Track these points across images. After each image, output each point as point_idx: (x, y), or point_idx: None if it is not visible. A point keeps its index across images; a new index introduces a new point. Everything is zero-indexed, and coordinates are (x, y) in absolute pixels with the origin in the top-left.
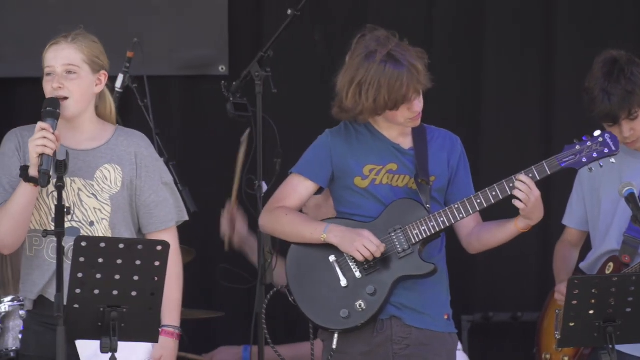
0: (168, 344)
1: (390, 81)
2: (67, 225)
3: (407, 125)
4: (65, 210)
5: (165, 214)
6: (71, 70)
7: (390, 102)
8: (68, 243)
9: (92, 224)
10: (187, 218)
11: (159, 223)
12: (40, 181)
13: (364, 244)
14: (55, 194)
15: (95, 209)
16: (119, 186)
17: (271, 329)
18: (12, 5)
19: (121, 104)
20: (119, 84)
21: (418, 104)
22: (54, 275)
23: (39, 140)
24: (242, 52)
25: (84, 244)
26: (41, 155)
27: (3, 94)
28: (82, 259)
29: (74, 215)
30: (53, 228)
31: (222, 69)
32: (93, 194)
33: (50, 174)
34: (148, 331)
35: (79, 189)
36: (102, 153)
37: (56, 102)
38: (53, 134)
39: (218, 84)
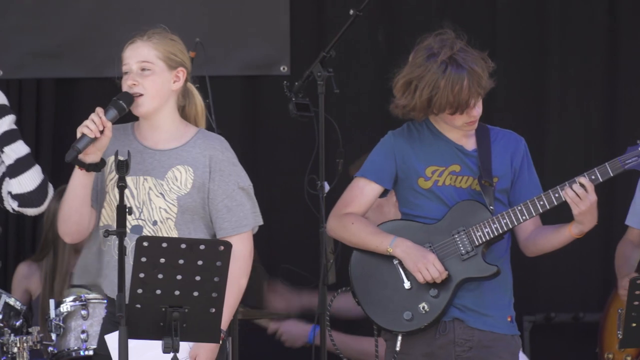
0: (207, 344)
1: (451, 85)
2: (134, 222)
3: (464, 129)
4: (127, 210)
5: (238, 219)
6: (145, 67)
7: (449, 105)
8: (133, 240)
9: (155, 223)
10: (261, 222)
11: (230, 228)
12: (66, 155)
13: (427, 267)
14: (127, 191)
15: (160, 209)
16: (189, 188)
17: (333, 328)
18: (73, 7)
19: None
20: None
21: (477, 109)
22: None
23: (86, 121)
24: (304, 52)
25: (145, 243)
26: (83, 135)
27: (65, 94)
28: (144, 259)
29: (142, 213)
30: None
31: (284, 69)
32: (161, 194)
33: (80, 153)
34: (209, 331)
35: (150, 188)
36: (177, 154)
37: (129, 97)
38: (101, 119)
39: (279, 84)
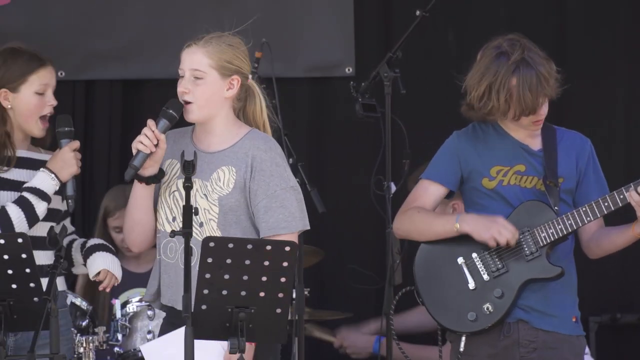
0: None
1: (522, 88)
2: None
3: (530, 128)
4: (193, 210)
5: (276, 221)
6: (197, 75)
7: (520, 108)
8: (182, 243)
9: (201, 224)
10: (305, 227)
11: (266, 229)
12: (125, 173)
13: (499, 230)
14: (177, 194)
15: (204, 210)
16: (230, 188)
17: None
18: (137, 8)
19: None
20: None
21: (544, 109)
22: (168, 275)
23: (139, 136)
24: (369, 53)
25: (212, 244)
26: (138, 151)
27: (131, 95)
28: (210, 260)
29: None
30: (170, 228)
31: (349, 70)
32: (205, 195)
33: (138, 170)
34: (275, 332)
35: (196, 190)
36: (224, 155)
37: (178, 105)
38: (154, 132)
39: (345, 85)
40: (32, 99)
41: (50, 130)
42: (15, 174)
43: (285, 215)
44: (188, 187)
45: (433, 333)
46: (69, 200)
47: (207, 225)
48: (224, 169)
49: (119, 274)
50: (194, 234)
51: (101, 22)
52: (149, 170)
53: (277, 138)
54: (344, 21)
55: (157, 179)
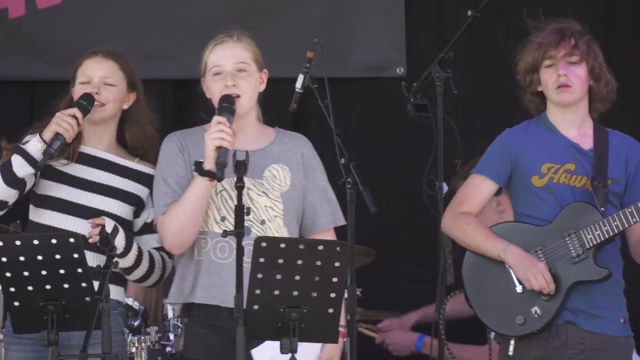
0: (337, 346)
1: (541, 38)
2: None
3: (556, 97)
4: (245, 210)
5: (326, 215)
6: (242, 68)
7: (534, 54)
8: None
9: (263, 222)
10: (343, 222)
11: (324, 223)
12: (217, 174)
13: (536, 276)
14: (224, 193)
15: (266, 207)
16: (289, 185)
17: (447, 330)
18: (188, 8)
19: (301, 105)
20: (299, 84)
21: (570, 69)
22: (220, 276)
23: (216, 133)
24: (420, 53)
25: (264, 244)
26: (218, 147)
27: (179, 94)
28: (262, 260)
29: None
30: (218, 228)
31: (400, 70)
32: (264, 192)
33: (226, 166)
34: (328, 332)
35: (248, 188)
36: (268, 154)
37: (231, 99)
38: (230, 127)
39: (396, 85)
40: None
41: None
42: (73, 169)
43: (331, 208)
44: (240, 187)
45: (471, 325)
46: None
47: (272, 222)
48: (276, 167)
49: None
50: (256, 233)
51: (151, 21)
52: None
53: (329, 138)
54: (395, 21)
55: (223, 175)
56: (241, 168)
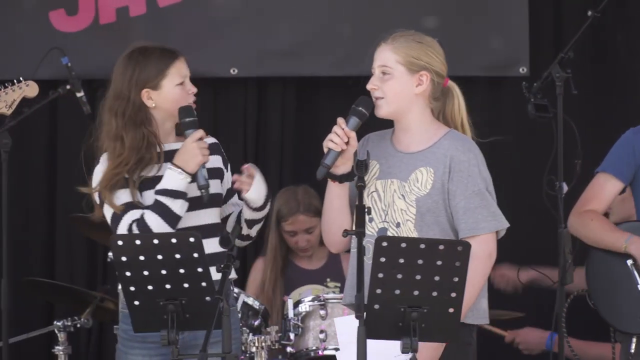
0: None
1: None
2: (380, 225)
3: None
4: (366, 210)
5: (475, 221)
6: (385, 71)
7: None
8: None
9: (398, 225)
10: (505, 225)
11: (466, 230)
12: (317, 172)
13: None
14: (375, 195)
15: (402, 210)
16: (428, 189)
17: (571, 329)
18: (310, 4)
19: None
20: None
21: None
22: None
23: (330, 135)
24: (543, 53)
25: (384, 244)
26: (329, 149)
27: (304, 94)
28: (383, 259)
29: (387, 216)
30: (369, 229)
31: (523, 70)
32: (402, 195)
33: (330, 168)
34: (448, 331)
35: (394, 190)
36: (422, 156)
37: (368, 102)
38: (344, 130)
39: (516, 85)
40: (175, 91)
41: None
42: (164, 170)
43: (484, 215)
44: (360, 187)
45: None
46: (202, 191)
47: (404, 226)
48: (422, 170)
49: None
50: (391, 234)
51: (274, 18)
52: (341, 168)
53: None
54: (519, 20)
55: (350, 177)
56: (361, 168)
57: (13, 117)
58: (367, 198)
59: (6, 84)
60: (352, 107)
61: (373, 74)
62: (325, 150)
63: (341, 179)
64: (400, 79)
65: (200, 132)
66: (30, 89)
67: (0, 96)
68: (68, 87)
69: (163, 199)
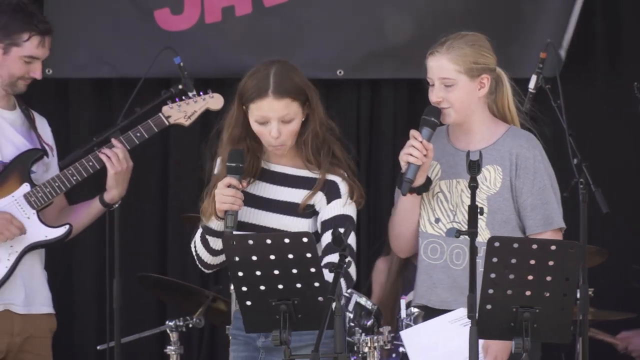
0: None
1: None
2: (449, 225)
3: None
4: (479, 210)
5: (543, 217)
6: (447, 83)
7: None
8: (449, 243)
9: None
10: (560, 226)
11: (534, 226)
12: (401, 189)
13: None
14: (440, 195)
15: None
16: (498, 187)
17: None
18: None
19: (534, 105)
20: (532, 84)
21: None
22: (430, 276)
23: (406, 149)
24: None
25: (497, 244)
26: (408, 163)
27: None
28: (494, 260)
29: (456, 216)
30: (431, 230)
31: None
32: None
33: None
34: (559, 331)
35: (462, 190)
36: (486, 154)
37: (437, 111)
38: (422, 143)
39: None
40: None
41: None
42: (257, 188)
43: (550, 211)
44: (474, 187)
45: None
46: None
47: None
48: (489, 168)
49: None
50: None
51: (381, 18)
52: (419, 180)
53: (562, 138)
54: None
55: (426, 187)
56: (474, 168)
57: (125, 117)
58: (432, 199)
59: (190, 94)
60: (423, 118)
61: (430, 84)
62: (403, 164)
63: (419, 190)
64: (464, 87)
65: (228, 180)
66: (215, 101)
67: (180, 106)
68: (180, 86)
69: (205, 232)
